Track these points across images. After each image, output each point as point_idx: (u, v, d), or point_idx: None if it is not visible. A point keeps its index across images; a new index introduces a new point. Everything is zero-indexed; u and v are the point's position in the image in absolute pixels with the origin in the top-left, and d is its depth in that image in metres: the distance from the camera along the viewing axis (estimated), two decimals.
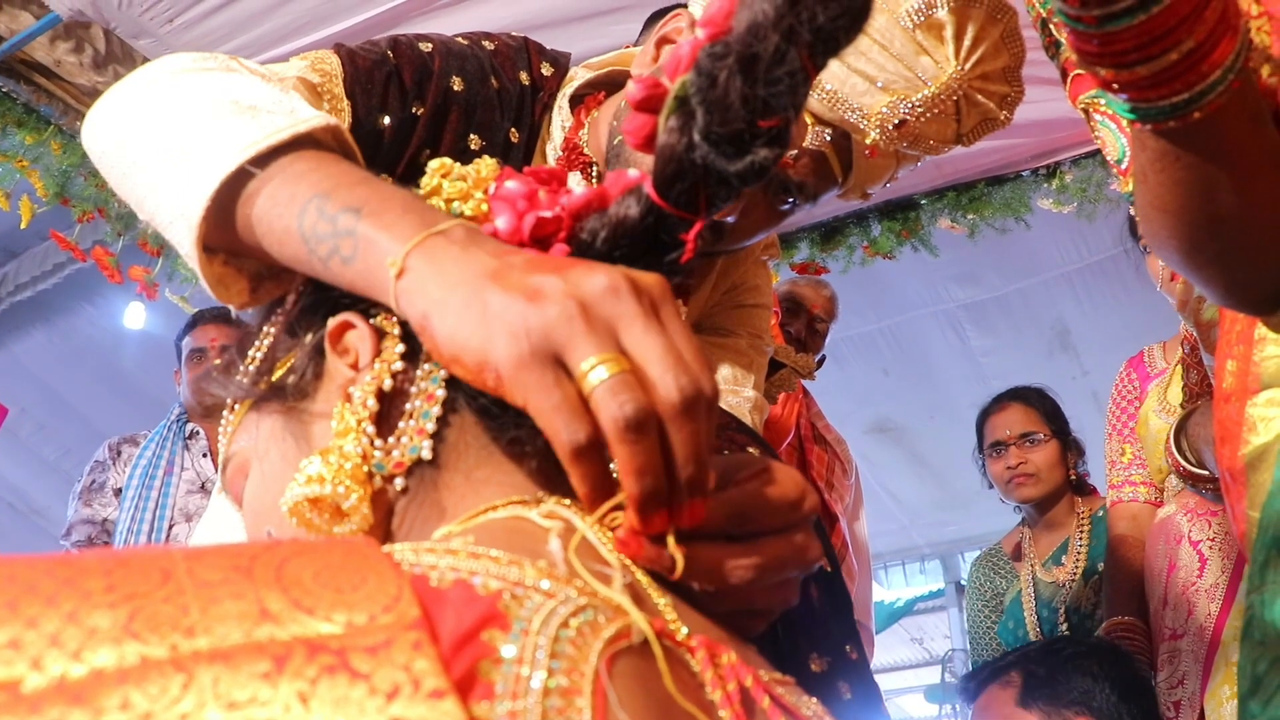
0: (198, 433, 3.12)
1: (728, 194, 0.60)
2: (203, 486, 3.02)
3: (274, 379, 0.69)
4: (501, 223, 0.63)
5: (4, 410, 2.81)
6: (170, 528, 2.91)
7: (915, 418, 5.70)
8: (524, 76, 1.25)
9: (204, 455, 3.09)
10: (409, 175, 1.13)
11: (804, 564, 0.62)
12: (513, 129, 1.22)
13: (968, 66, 1.08)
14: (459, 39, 1.24)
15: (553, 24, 2.87)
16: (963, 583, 6.65)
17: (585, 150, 1.22)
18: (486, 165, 0.67)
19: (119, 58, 3.27)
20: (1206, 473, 1.89)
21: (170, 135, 0.78)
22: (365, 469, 0.61)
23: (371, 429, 0.62)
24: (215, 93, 0.81)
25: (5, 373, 5.28)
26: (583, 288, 0.54)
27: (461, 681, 0.40)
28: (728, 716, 0.51)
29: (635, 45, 2.43)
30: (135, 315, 4.60)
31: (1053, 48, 0.98)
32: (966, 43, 1.07)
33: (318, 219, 0.67)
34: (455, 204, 0.65)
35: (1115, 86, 0.74)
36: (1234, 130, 0.76)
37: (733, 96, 0.56)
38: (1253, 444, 0.87)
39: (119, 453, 3.03)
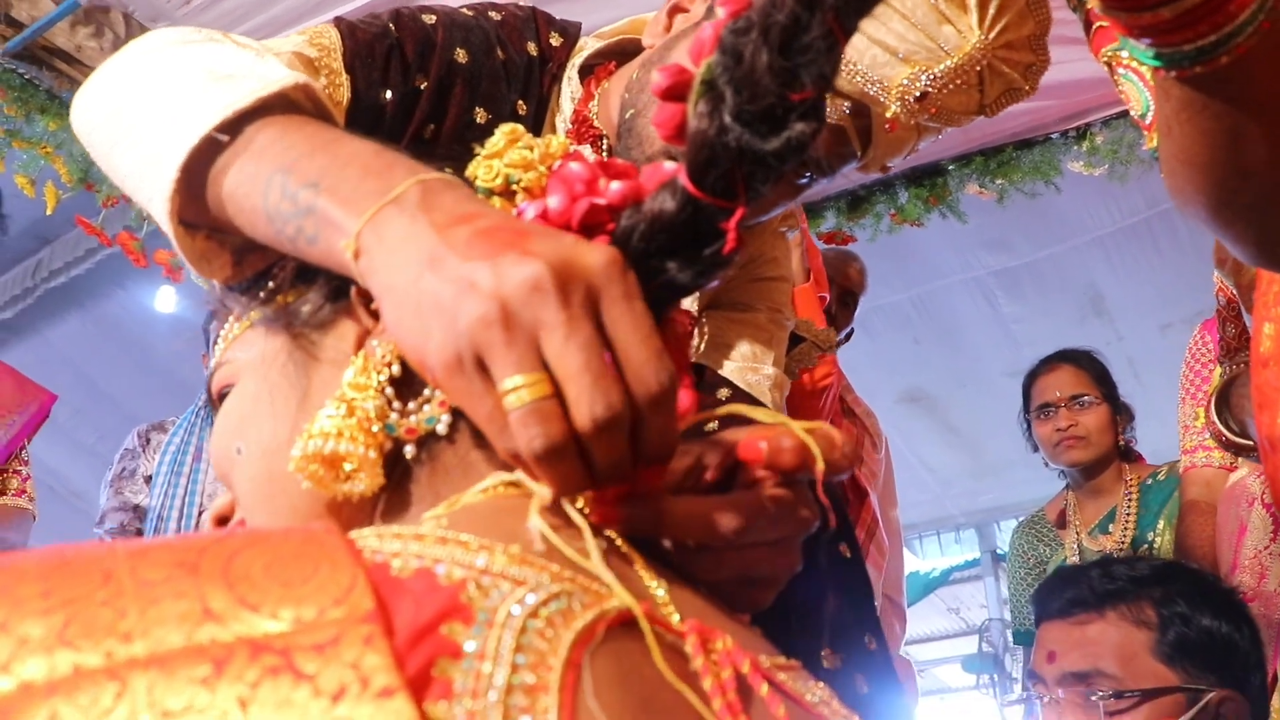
0: None
1: (766, 175, 0.56)
2: None
3: (290, 301, 0.68)
4: (554, 202, 0.60)
5: (53, 396, 2.81)
6: (200, 513, 2.92)
7: (946, 387, 5.65)
8: (531, 47, 1.22)
9: None
10: (413, 150, 1.11)
11: (798, 521, 0.60)
12: (520, 101, 1.19)
13: (992, 36, 1.04)
14: (464, 10, 1.21)
15: None
16: (998, 552, 6.61)
17: (595, 123, 1.19)
18: (558, 142, 0.65)
19: None
20: (1250, 441, 1.82)
21: (145, 111, 0.77)
22: (379, 429, 0.59)
23: (391, 390, 0.61)
24: (189, 65, 0.79)
25: (41, 359, 5.33)
26: (507, 285, 0.51)
27: (416, 679, 0.38)
28: (719, 704, 0.48)
29: None
30: (166, 299, 4.64)
31: (1075, 0, 0.94)
32: (991, 10, 1.03)
33: (281, 198, 0.65)
34: (515, 172, 0.63)
35: (1138, 31, 0.70)
36: (1264, 76, 0.71)
37: (760, 71, 0.53)
38: None
39: (148, 440, 3.05)
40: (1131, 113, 0.89)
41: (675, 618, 0.51)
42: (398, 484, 0.61)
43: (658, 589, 0.52)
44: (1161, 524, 2.63)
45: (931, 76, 1.05)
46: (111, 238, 3.42)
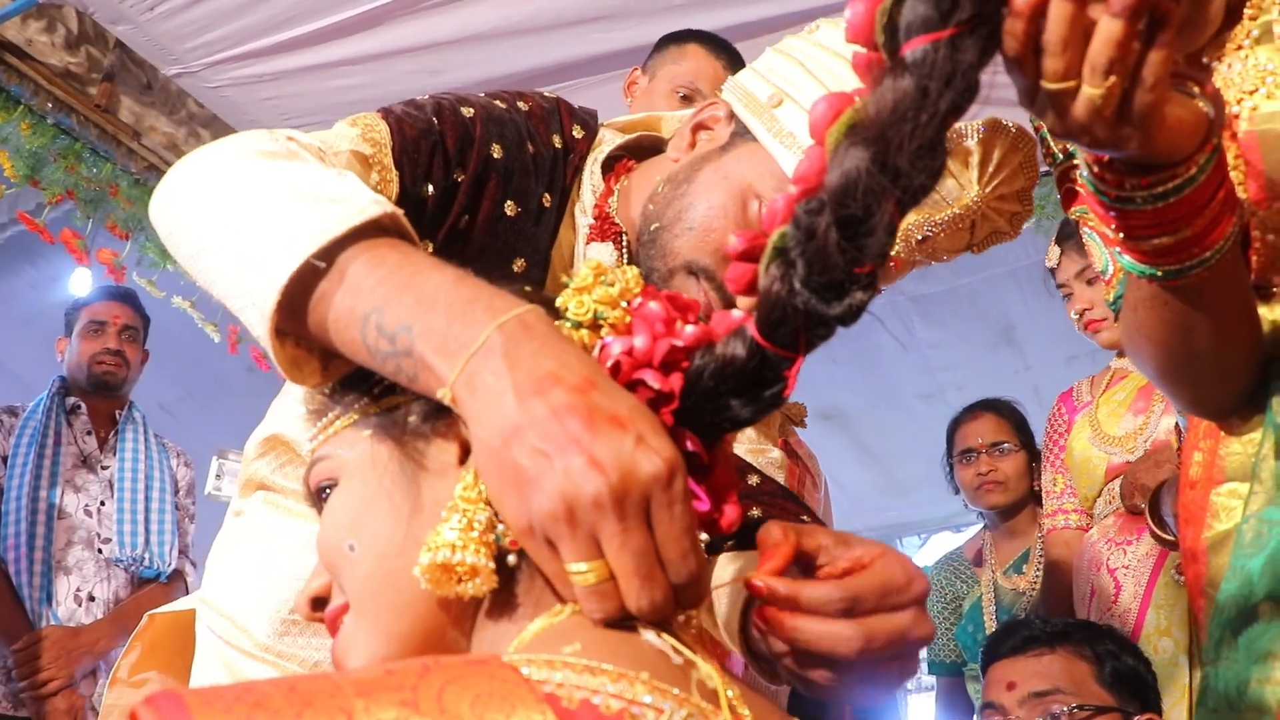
0: (80, 407, 3.15)
1: (826, 333, 0.67)
2: (85, 461, 3.08)
3: (394, 404, 0.75)
4: (639, 342, 0.69)
5: None
6: (61, 495, 2.97)
7: (860, 406, 5.78)
8: (556, 139, 1.27)
9: (88, 433, 3.13)
10: (450, 241, 1.18)
11: (915, 639, 0.74)
12: (546, 194, 1.24)
13: (989, 190, 1.16)
14: (497, 102, 1.26)
15: (541, 29, 2.89)
16: None
17: (615, 219, 1.25)
18: (633, 276, 0.73)
19: (91, 38, 3.25)
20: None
21: (239, 224, 0.83)
22: (492, 539, 0.67)
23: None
24: (278, 182, 0.85)
25: None
26: (571, 492, 0.62)
27: None
28: None
29: (642, 69, 2.46)
30: (81, 282, 4.51)
31: (1050, 158, 1.08)
32: (990, 169, 1.15)
33: (378, 336, 0.73)
34: (603, 309, 0.71)
35: (1131, 253, 0.84)
36: (1216, 289, 0.87)
37: (831, 249, 0.63)
38: (1215, 529, 0.98)
39: (1, 421, 3.06)
40: (1094, 266, 1.03)
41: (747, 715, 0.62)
42: (501, 586, 0.69)
43: (736, 699, 0.63)
44: None
45: (934, 224, 1.17)
46: (55, 235, 3.40)
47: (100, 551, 2.97)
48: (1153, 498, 2.08)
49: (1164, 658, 2.17)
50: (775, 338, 0.67)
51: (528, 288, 0.78)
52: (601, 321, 0.72)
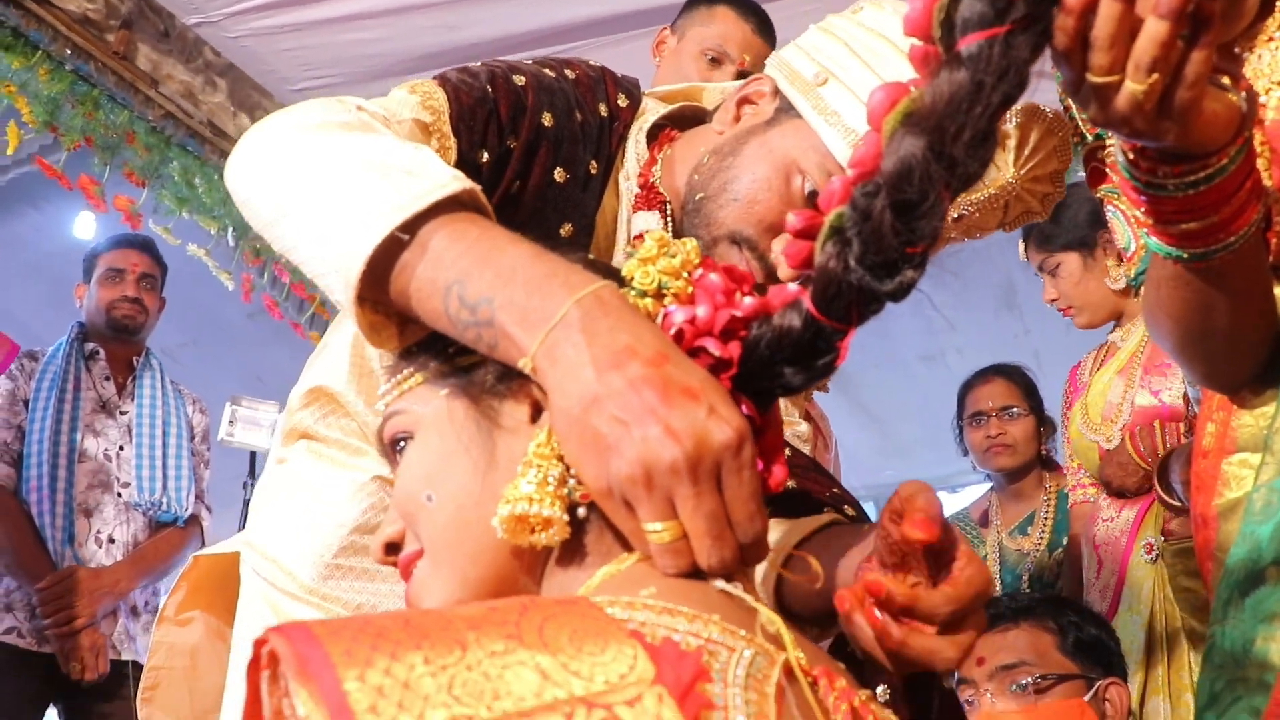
0: (98, 353, 3.19)
1: (878, 308, 0.71)
2: (104, 406, 3.14)
3: (468, 365, 0.80)
4: (702, 312, 0.74)
5: (16, 347, 2.86)
6: (81, 439, 3.03)
7: (861, 366, 5.84)
8: (602, 108, 1.30)
9: (106, 378, 3.18)
10: (502, 206, 1.21)
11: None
12: (593, 161, 1.27)
13: (1023, 171, 1.20)
14: (546, 70, 1.28)
15: None
16: None
17: (660, 188, 1.28)
18: (693, 248, 0.78)
19: None
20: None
21: (321, 194, 0.87)
22: (565, 492, 0.72)
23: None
24: (356, 155, 0.89)
25: None
26: (650, 458, 0.67)
27: None
28: None
29: (671, 29, 2.47)
30: (85, 225, 4.53)
31: (1078, 135, 1.12)
32: (1026, 150, 1.20)
33: (460, 307, 0.77)
34: (667, 279, 0.76)
35: (1161, 236, 0.89)
36: (1235, 272, 0.92)
37: (886, 230, 0.67)
38: (1226, 497, 1.05)
39: (22, 366, 3.10)
40: (1116, 243, 1.08)
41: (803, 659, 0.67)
42: (571, 536, 0.74)
43: (791, 642, 0.68)
44: None
45: (970, 203, 1.21)
46: (73, 181, 3.42)
47: (120, 495, 3.04)
48: (1161, 466, 2.16)
49: (1130, 629, 2.28)
50: (830, 311, 0.71)
51: (591, 257, 0.82)
52: (665, 291, 0.76)
